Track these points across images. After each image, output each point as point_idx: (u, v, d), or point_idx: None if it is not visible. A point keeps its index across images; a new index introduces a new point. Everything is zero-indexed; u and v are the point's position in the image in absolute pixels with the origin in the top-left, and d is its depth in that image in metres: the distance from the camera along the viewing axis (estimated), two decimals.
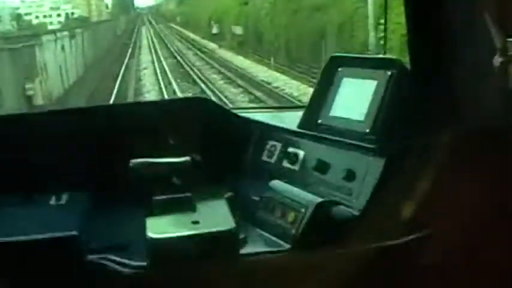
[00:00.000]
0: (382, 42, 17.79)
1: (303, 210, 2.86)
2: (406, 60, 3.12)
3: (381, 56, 3.53)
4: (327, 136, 3.17)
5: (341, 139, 3.10)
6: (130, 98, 23.71)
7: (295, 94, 21.33)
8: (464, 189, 2.80)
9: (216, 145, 3.38)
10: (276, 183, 3.11)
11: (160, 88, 25.96)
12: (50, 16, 44.15)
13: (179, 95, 22.89)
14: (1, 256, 2.82)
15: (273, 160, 3.40)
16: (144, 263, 2.79)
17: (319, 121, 3.27)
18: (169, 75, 28.87)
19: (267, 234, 2.97)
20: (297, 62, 26.53)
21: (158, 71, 31.19)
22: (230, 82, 26.44)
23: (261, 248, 2.91)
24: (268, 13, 31.72)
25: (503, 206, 2.82)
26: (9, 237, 2.85)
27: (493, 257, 2.82)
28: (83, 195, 3.23)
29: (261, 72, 27.93)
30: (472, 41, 2.84)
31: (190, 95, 20.98)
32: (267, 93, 22.67)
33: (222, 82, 26.71)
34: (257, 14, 33.51)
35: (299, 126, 3.36)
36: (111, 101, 21.63)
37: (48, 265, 2.82)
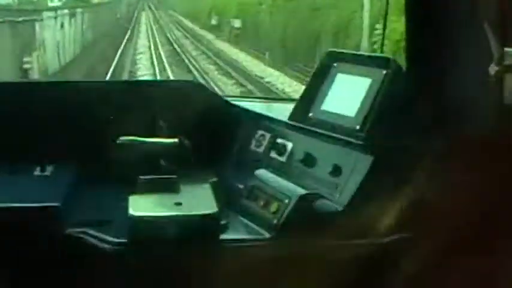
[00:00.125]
0: (375, 46, 17.91)
1: (286, 200, 2.84)
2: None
3: (377, 54, 3.48)
4: (317, 130, 3.13)
5: (330, 134, 3.06)
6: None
7: (287, 90, 21.32)
8: (450, 193, 2.76)
9: (206, 130, 3.35)
10: (262, 173, 3.09)
11: (154, 73, 25.92)
12: None
13: None
14: None
15: (261, 150, 3.36)
16: (124, 240, 2.76)
17: (310, 114, 3.23)
18: (165, 62, 28.83)
19: (249, 222, 2.94)
20: (291, 60, 26.52)
21: (154, 56, 31.13)
22: (224, 73, 26.42)
23: (241, 235, 2.88)
24: (267, 9, 31.71)
25: (490, 212, 2.78)
26: None
27: (475, 262, 2.79)
28: (69, 168, 3.20)
29: (255, 66, 27.92)
30: (469, 47, 2.81)
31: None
32: (258, 86, 22.67)
33: (216, 73, 26.70)
34: (257, 9, 33.49)
35: (290, 118, 3.32)
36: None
37: (28, 235, 2.79)
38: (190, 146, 3.16)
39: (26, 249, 2.80)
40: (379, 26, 18.04)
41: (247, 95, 19.29)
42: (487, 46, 2.65)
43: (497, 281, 2.84)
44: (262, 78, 24.49)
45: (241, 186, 3.09)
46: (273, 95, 20.06)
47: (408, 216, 2.79)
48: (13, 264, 2.84)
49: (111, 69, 26.06)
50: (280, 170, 3.13)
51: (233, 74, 25.85)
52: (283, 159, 3.21)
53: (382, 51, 3.52)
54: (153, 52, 32.88)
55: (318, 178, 2.98)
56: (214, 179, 3.10)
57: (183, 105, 3.39)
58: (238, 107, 3.61)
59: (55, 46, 28.66)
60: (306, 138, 3.17)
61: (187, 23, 52.45)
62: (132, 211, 2.76)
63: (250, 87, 22.82)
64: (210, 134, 3.35)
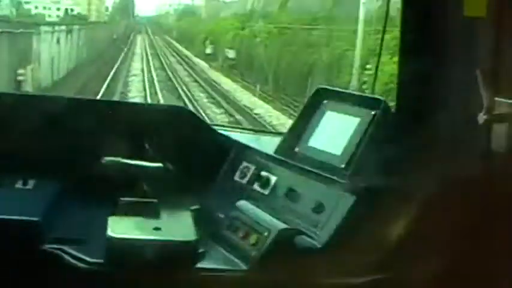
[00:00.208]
0: (364, 86, 17.99)
1: (266, 233, 2.81)
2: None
3: (367, 94, 3.46)
4: (302, 165, 3.11)
5: (315, 170, 3.03)
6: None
7: (274, 123, 21.35)
8: (431, 234, 2.73)
9: (191, 157, 3.31)
10: (243, 204, 3.05)
11: (145, 96, 25.92)
12: (50, 9, 43.96)
13: None
14: None
15: (244, 181, 3.32)
16: (100, 260, 2.73)
17: (296, 149, 3.22)
18: (157, 86, 28.84)
19: (227, 253, 2.90)
20: (281, 94, 26.59)
21: (146, 79, 31.13)
22: (214, 102, 26.45)
23: (218, 265, 2.83)
24: (262, 42, 31.83)
25: (471, 255, 2.75)
26: None
27: None
28: (51, 184, 3.15)
29: (245, 97, 27.96)
30: (459, 95, 2.80)
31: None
32: (247, 118, 22.71)
33: (206, 101, 26.71)
34: (252, 41, 33.60)
35: (276, 152, 3.30)
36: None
37: (5, 247, 2.74)
38: (174, 171, 3.13)
39: (1, 261, 2.75)
40: (369, 66, 18.17)
41: (235, 125, 19.30)
42: (477, 94, 2.63)
43: None
44: (251, 109, 24.51)
45: (222, 215, 3.05)
46: (260, 127, 20.08)
47: (388, 257, 2.75)
48: None
49: (102, 89, 26.05)
50: (262, 202, 3.09)
51: (223, 103, 25.88)
52: (266, 192, 3.17)
53: (373, 91, 3.50)
54: (145, 75, 32.90)
55: (299, 214, 2.95)
56: (196, 207, 3.06)
57: (170, 130, 3.36)
58: (225, 136, 3.58)
59: (50, 61, 28.70)
60: (290, 173, 3.14)
61: (182, 49, 52.54)
62: (111, 232, 2.73)
63: (238, 117, 22.85)
64: (195, 161, 3.31)
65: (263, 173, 3.23)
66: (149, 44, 55.58)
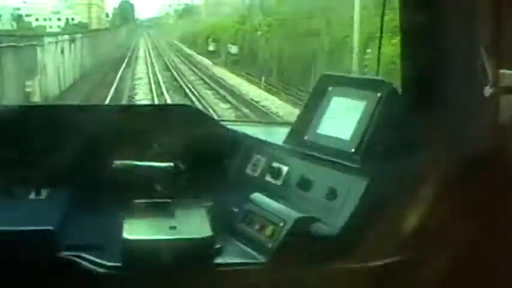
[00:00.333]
0: (366, 70, 17.97)
1: (281, 224, 2.78)
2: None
3: (371, 77, 3.43)
4: (312, 153, 3.08)
5: (325, 157, 3.00)
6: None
7: (281, 113, 21.36)
8: (446, 215, 2.70)
9: (201, 154, 3.28)
10: (257, 196, 3.02)
11: (152, 98, 25.96)
12: (50, 20, 44.00)
13: None
14: None
15: (256, 173, 3.30)
16: (118, 264, 2.70)
17: (305, 138, 3.19)
18: (163, 87, 28.86)
19: (243, 246, 2.87)
20: (286, 84, 26.59)
21: (152, 81, 31.17)
22: (220, 98, 26.48)
23: (236, 259, 2.81)
24: (263, 35, 31.82)
25: (486, 233, 2.72)
26: None
27: (476, 280, 2.73)
28: (63, 192, 3.14)
29: (251, 91, 27.97)
30: (465, 70, 2.76)
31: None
32: (254, 110, 22.73)
33: (212, 97, 26.74)
34: (253, 35, 33.60)
35: (285, 142, 3.28)
36: None
37: (21, 258, 2.73)
38: (185, 170, 3.11)
39: (20, 272, 2.73)
40: (369, 50, 18.14)
41: (243, 119, 19.32)
42: (482, 68, 2.60)
43: None
44: (257, 102, 24.53)
45: (236, 210, 3.02)
46: (267, 118, 20.11)
47: (405, 237, 2.74)
48: None
49: (110, 94, 26.10)
50: (275, 193, 3.06)
51: (229, 98, 25.91)
52: (278, 182, 3.15)
53: (377, 74, 3.47)
54: (151, 77, 32.93)
55: (313, 201, 2.92)
56: (210, 203, 3.04)
57: (179, 129, 3.34)
58: (234, 131, 3.56)
59: (56, 71, 28.84)
60: (301, 162, 3.12)
61: (185, 49, 52.59)
62: (127, 235, 2.71)
63: (245, 110, 22.88)
64: (206, 158, 3.28)
65: (274, 164, 3.21)
66: (152, 46, 55.65)
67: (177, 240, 2.72)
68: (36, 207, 3.05)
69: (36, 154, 3.18)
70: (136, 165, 3.04)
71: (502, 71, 2.58)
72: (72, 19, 45.27)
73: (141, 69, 38.21)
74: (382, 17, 3.28)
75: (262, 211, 2.90)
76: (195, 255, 2.72)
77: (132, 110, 3.92)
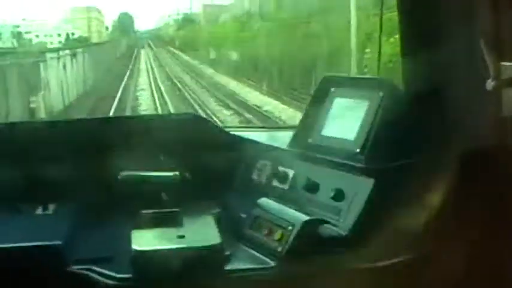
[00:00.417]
0: (365, 70, 17.95)
1: (290, 228, 2.77)
2: None
3: (373, 76, 3.41)
4: (317, 155, 3.06)
5: (331, 158, 2.99)
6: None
7: (284, 117, 21.34)
8: (453, 210, 2.67)
9: (207, 162, 3.27)
10: (264, 201, 3.01)
11: (156, 108, 25.96)
12: (51, 36, 44.02)
13: None
14: None
15: (262, 178, 3.29)
16: (129, 275, 2.69)
17: (310, 140, 3.17)
18: (166, 96, 28.86)
19: (253, 252, 2.86)
20: (287, 88, 26.58)
21: (155, 92, 31.17)
22: (223, 104, 26.47)
23: (246, 265, 2.79)
24: (263, 40, 31.83)
25: (494, 227, 2.69)
26: None
27: (482, 279, 2.70)
28: (70, 206, 3.13)
29: (253, 96, 27.96)
30: (466, 64, 2.74)
31: None
32: (256, 115, 22.74)
33: (215, 104, 26.73)
34: (252, 41, 33.61)
35: (290, 145, 3.27)
36: None
37: (31, 274, 2.72)
38: (191, 178, 3.10)
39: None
40: (368, 50, 18.12)
41: (246, 125, 19.32)
42: (483, 61, 2.57)
43: None
44: (259, 107, 24.53)
45: (244, 216, 3.01)
46: (270, 123, 20.11)
47: (414, 235, 2.71)
48: None
49: (114, 106, 26.11)
50: (283, 197, 3.05)
51: (232, 104, 25.90)
52: (285, 186, 3.14)
53: (378, 73, 3.45)
54: (153, 88, 32.92)
55: (320, 204, 2.91)
56: (217, 210, 3.04)
57: (184, 138, 3.33)
58: (238, 137, 3.54)
59: (59, 85, 28.89)
60: (307, 165, 3.10)
61: (186, 58, 52.59)
62: (136, 246, 2.71)
63: (248, 116, 22.88)
64: (211, 165, 3.27)
65: (280, 168, 3.19)
66: (153, 57, 55.65)
67: (186, 249, 2.70)
68: (44, 222, 3.04)
69: (41, 169, 3.16)
70: (143, 176, 3.03)
71: (503, 63, 2.56)
72: (73, 34, 45.29)
73: (143, 80, 38.20)
74: (381, 17, 3.26)
75: (270, 216, 2.89)
76: (204, 263, 2.70)
77: (136, 121, 3.90)
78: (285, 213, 2.86)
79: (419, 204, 2.72)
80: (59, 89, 28.89)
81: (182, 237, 2.77)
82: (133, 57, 55.10)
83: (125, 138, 3.29)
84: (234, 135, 3.57)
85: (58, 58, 30.13)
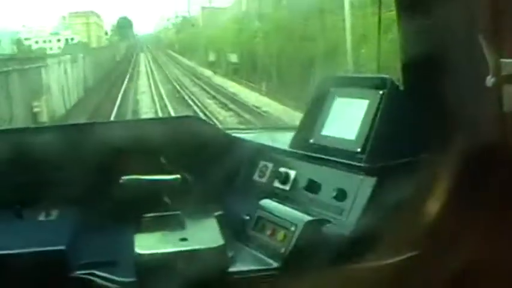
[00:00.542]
0: (362, 69, 17.94)
1: (293, 228, 2.75)
2: None
3: (372, 75, 3.38)
4: (318, 155, 3.04)
5: (332, 158, 2.97)
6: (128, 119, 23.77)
7: (283, 117, 21.35)
8: (456, 208, 2.64)
9: (208, 164, 3.25)
10: (266, 202, 2.99)
11: (156, 110, 25.99)
12: (50, 41, 43.93)
13: None
14: None
15: (264, 180, 3.27)
16: (132, 279, 2.68)
17: (311, 141, 3.15)
18: (165, 99, 28.88)
19: (256, 253, 2.85)
20: (286, 88, 26.59)
21: (155, 94, 31.19)
22: (222, 106, 26.51)
23: (249, 266, 2.78)
24: (261, 42, 31.84)
25: (495, 225, 2.66)
26: None
27: (486, 277, 2.68)
28: (73, 211, 3.11)
29: (252, 97, 27.98)
30: (465, 61, 2.71)
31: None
32: (256, 116, 22.77)
33: (215, 106, 26.76)
34: (251, 43, 33.61)
35: (291, 146, 3.24)
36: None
37: (35, 280, 2.70)
38: (193, 181, 3.08)
39: None
40: (364, 49, 18.10)
41: (246, 126, 19.33)
42: (483, 58, 2.54)
43: None
44: (258, 108, 24.55)
45: (247, 217, 2.99)
46: (269, 123, 20.12)
47: (416, 233, 2.70)
48: None
49: (115, 109, 26.15)
50: (284, 198, 3.03)
51: (231, 106, 25.94)
52: (287, 187, 3.11)
53: (378, 71, 3.42)
54: (153, 91, 32.95)
55: (323, 204, 2.89)
56: (220, 212, 3.01)
57: (185, 141, 3.30)
58: (239, 138, 3.52)
59: (60, 90, 29.02)
60: (308, 165, 3.08)
61: (186, 61, 52.59)
62: (139, 250, 2.69)
63: (247, 116, 22.91)
64: (213, 167, 3.25)
65: (281, 169, 3.16)
66: (153, 61, 55.65)
67: (189, 252, 2.68)
68: (47, 228, 3.02)
69: (43, 175, 3.13)
70: (143, 180, 3.00)
71: (503, 60, 2.53)
72: (72, 39, 45.21)
73: (143, 83, 38.22)
74: (379, 15, 3.23)
75: (272, 217, 2.87)
76: (208, 265, 2.67)
77: (137, 125, 3.87)
78: (288, 214, 2.83)
79: (421, 202, 2.70)
80: (61, 93, 29.01)
81: (185, 240, 2.75)
82: (133, 60, 55.13)
83: (126, 142, 3.26)
84: (235, 136, 3.55)
85: (59, 63, 30.24)
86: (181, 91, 32.26)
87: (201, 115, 22.70)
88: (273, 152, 3.31)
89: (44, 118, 24.29)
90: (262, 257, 2.80)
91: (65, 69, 30.82)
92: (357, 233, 2.69)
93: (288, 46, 28.07)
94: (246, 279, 2.73)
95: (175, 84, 35.88)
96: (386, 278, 2.69)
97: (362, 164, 2.83)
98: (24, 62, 26.02)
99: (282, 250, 2.72)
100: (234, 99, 27.80)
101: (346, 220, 2.75)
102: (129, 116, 24.91)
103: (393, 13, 2.99)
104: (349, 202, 2.79)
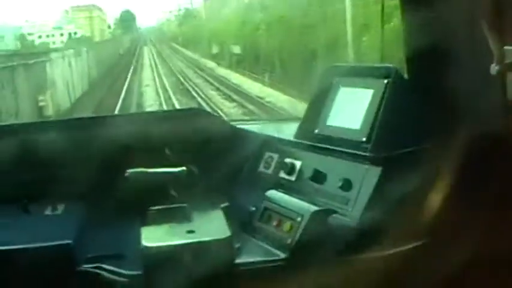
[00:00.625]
0: (364, 58, 17.91)
1: (299, 219, 2.73)
2: None
3: (377, 64, 3.36)
4: (323, 146, 3.02)
5: (337, 148, 2.95)
6: (133, 111, 23.80)
7: (285, 107, 21.34)
8: (461, 197, 2.62)
9: (213, 156, 3.24)
10: (272, 193, 2.97)
11: (160, 103, 25.99)
12: (53, 36, 43.87)
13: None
14: None
15: (270, 171, 3.25)
16: (139, 272, 2.66)
17: (316, 131, 3.13)
18: (170, 91, 28.88)
19: (263, 244, 2.83)
20: (289, 79, 26.58)
21: (159, 87, 31.19)
22: (226, 97, 26.50)
23: (256, 258, 2.76)
24: (263, 33, 31.81)
25: (502, 212, 2.64)
26: (2, 246, 2.72)
27: (492, 266, 2.66)
28: (79, 205, 3.10)
29: (256, 88, 27.97)
30: (469, 49, 2.69)
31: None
32: (259, 106, 22.77)
33: (219, 97, 26.76)
34: (254, 34, 33.58)
35: (296, 137, 3.22)
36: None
37: (42, 274, 2.69)
38: (199, 173, 3.07)
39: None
40: (365, 38, 18.06)
41: (250, 117, 19.33)
42: (486, 46, 2.52)
43: None
44: (262, 98, 24.55)
45: (253, 208, 2.97)
46: (272, 113, 20.12)
47: (422, 222, 2.68)
48: None
49: (119, 102, 26.16)
50: (290, 189, 3.01)
51: (235, 97, 25.94)
52: (292, 178, 3.09)
53: (382, 61, 3.40)
54: (157, 83, 32.94)
55: (328, 194, 2.87)
56: (226, 204, 2.99)
57: (190, 133, 3.29)
58: (244, 130, 3.51)
59: (65, 84, 29.09)
60: (313, 155, 3.06)
61: (189, 53, 52.54)
62: (146, 242, 2.66)
63: (251, 107, 22.92)
64: (218, 159, 3.23)
65: (287, 160, 3.15)
66: (156, 53, 55.62)
67: (196, 244, 2.66)
68: (53, 222, 3.01)
69: (49, 170, 3.12)
70: (150, 173, 2.98)
71: (506, 47, 2.51)
72: (75, 33, 45.17)
73: (147, 76, 38.21)
74: (383, 4, 3.21)
75: (278, 207, 2.85)
76: (215, 257, 2.65)
77: (142, 118, 3.85)
78: (294, 205, 2.82)
79: (426, 191, 2.68)
80: (65, 87, 29.09)
81: (192, 232, 2.73)
82: (137, 53, 55.09)
83: (131, 135, 3.25)
84: (240, 128, 3.53)
85: (63, 57, 30.29)
86: (185, 83, 32.25)
87: (205, 106, 22.72)
88: (278, 143, 3.29)
89: (50, 112, 24.38)
90: (269, 248, 2.78)
91: (69, 63, 30.87)
92: (362, 223, 2.67)
93: (291, 37, 28.04)
94: (253, 270, 2.71)
95: (179, 76, 35.88)
96: (392, 267, 2.67)
97: (367, 154, 2.81)
98: (28, 57, 26.12)
99: (289, 241, 2.71)
100: (237, 90, 27.79)
101: (352, 210, 2.73)
102: (133, 109, 24.94)
103: (394, 1, 2.97)
104: (354, 192, 2.77)
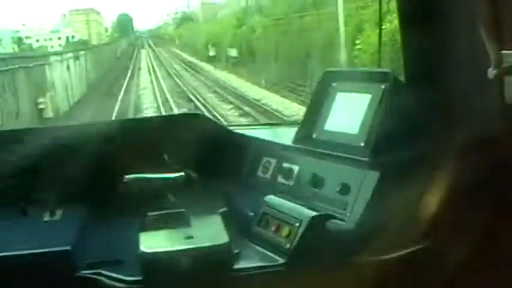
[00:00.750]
0: (356, 61, 17.93)
1: (297, 224, 2.70)
2: None
3: (374, 69, 3.34)
4: (321, 150, 2.99)
5: (335, 153, 2.92)
6: (131, 114, 23.88)
7: (280, 109, 21.41)
8: (459, 202, 2.60)
9: (211, 161, 3.22)
10: (271, 198, 2.94)
11: (158, 106, 26.03)
12: (51, 39, 43.87)
13: (175, 111, 22.93)
14: None
15: (268, 176, 3.22)
16: (138, 278, 2.63)
17: (314, 136, 3.11)
18: (167, 94, 28.91)
19: (261, 249, 2.79)
20: (285, 81, 26.65)
21: (157, 90, 31.21)
22: (223, 100, 26.56)
23: (255, 263, 2.73)
24: (260, 36, 31.88)
25: (501, 215, 2.63)
26: (1, 253, 2.68)
27: (492, 269, 2.64)
28: (77, 211, 3.07)
29: (252, 90, 28.04)
30: (466, 53, 2.67)
31: (185, 110, 20.98)
32: (255, 108, 22.85)
33: (216, 100, 26.82)
34: (250, 37, 33.65)
35: (294, 142, 3.19)
36: (113, 117, 21.92)
37: (41, 280, 2.67)
38: (197, 178, 3.05)
39: None
40: (358, 41, 18.09)
41: (244, 117, 19.36)
42: (484, 50, 2.50)
43: None
44: (258, 100, 24.63)
45: (251, 213, 2.94)
46: (266, 115, 20.19)
47: (421, 226, 2.65)
48: None
49: (117, 105, 26.21)
50: (288, 194, 2.98)
51: (231, 99, 26.01)
52: (290, 183, 3.07)
53: (379, 65, 3.38)
54: (155, 86, 32.98)
55: (327, 198, 2.84)
56: (224, 209, 2.97)
57: (188, 138, 3.27)
58: (241, 135, 3.49)
59: (64, 86, 29.25)
60: (311, 160, 3.03)
61: (186, 56, 52.58)
62: (144, 248, 2.64)
63: (247, 109, 22.99)
64: (216, 164, 3.22)
65: (285, 165, 3.13)
66: (154, 56, 55.67)
67: (194, 249, 2.63)
68: (51, 228, 2.98)
69: (47, 175, 3.10)
70: (147, 178, 2.96)
71: (504, 51, 2.48)
72: (73, 37, 45.19)
73: (144, 79, 38.25)
74: (380, 7, 3.18)
75: (277, 213, 2.82)
76: (213, 262, 2.64)
77: (140, 123, 3.83)
78: (292, 210, 2.79)
79: (425, 196, 2.65)
80: (64, 90, 29.24)
81: (190, 237, 2.71)
82: (134, 56, 55.16)
83: (129, 140, 3.24)
84: (238, 133, 3.51)
85: (61, 61, 30.40)
86: (182, 86, 32.31)
87: (202, 108, 22.76)
88: (276, 147, 3.27)
89: (49, 114, 24.54)
90: (268, 253, 2.75)
91: (67, 67, 30.96)
92: (361, 228, 2.64)
93: (286, 39, 28.12)
94: (251, 275, 2.68)
95: (176, 79, 35.92)
96: (391, 272, 2.65)
97: (365, 159, 2.78)
98: (28, 60, 26.20)
99: (287, 246, 2.68)
100: (233, 92, 27.86)
101: (350, 215, 2.70)
102: (131, 111, 24.98)
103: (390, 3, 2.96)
104: (353, 196, 2.74)
